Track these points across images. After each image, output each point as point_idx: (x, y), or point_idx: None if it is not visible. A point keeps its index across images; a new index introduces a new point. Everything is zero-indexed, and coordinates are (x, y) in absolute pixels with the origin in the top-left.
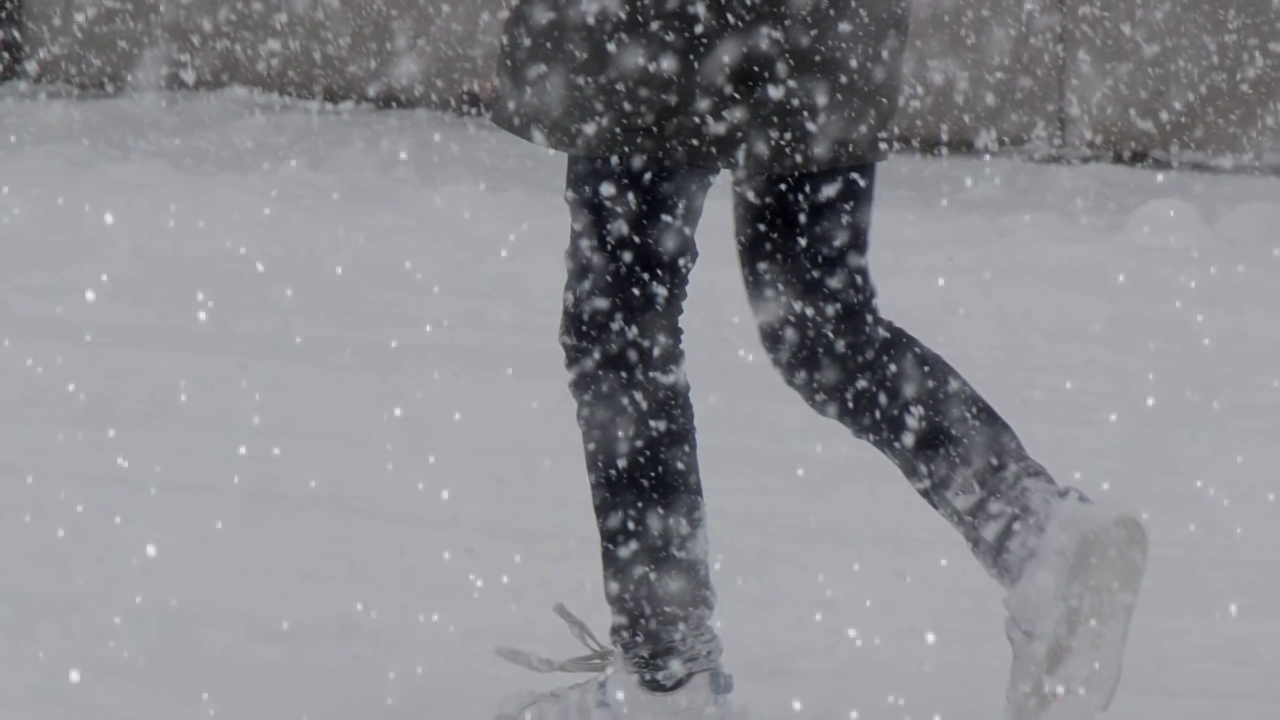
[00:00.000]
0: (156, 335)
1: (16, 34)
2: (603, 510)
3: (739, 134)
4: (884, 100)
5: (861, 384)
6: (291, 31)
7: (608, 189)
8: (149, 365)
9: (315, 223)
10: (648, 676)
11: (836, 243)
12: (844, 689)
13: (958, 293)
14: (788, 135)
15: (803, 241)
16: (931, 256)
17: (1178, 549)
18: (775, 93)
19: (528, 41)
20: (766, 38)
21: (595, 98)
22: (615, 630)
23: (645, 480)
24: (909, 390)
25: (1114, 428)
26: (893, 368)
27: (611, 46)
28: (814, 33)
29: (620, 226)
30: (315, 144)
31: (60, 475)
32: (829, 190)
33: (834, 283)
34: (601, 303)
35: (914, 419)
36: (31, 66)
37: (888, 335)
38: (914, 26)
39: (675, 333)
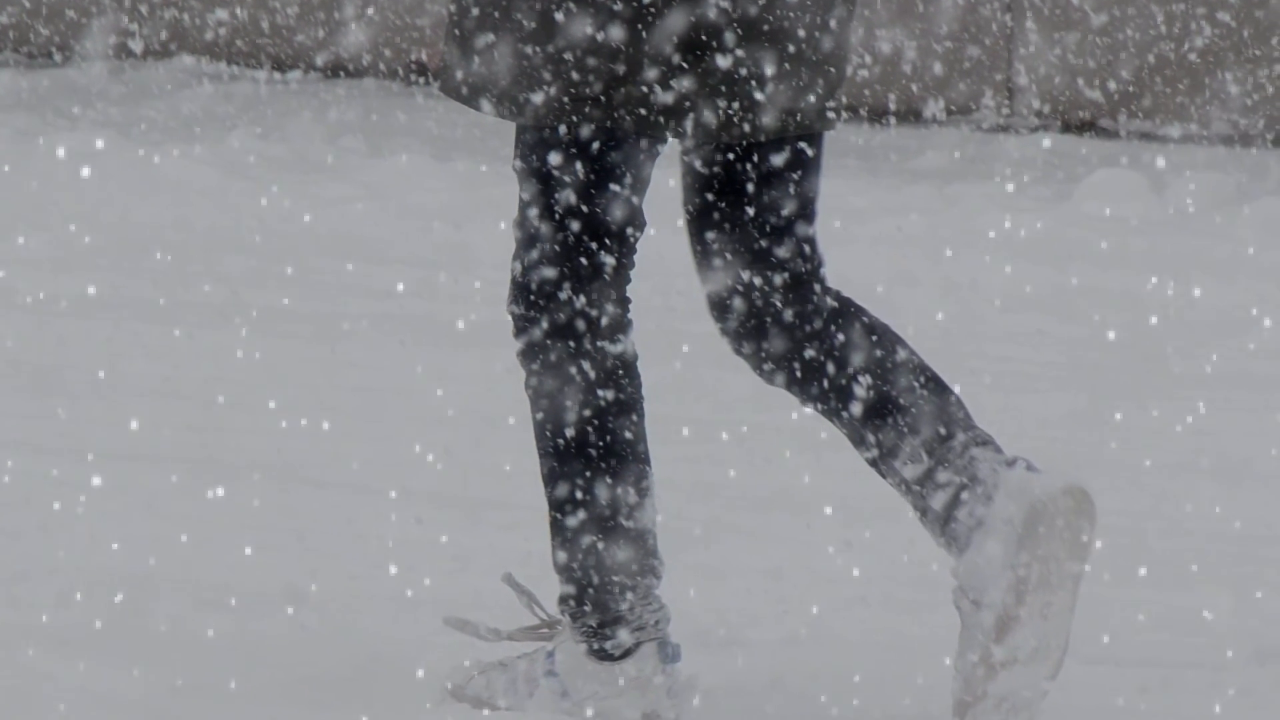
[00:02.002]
0: (104, 304)
1: None
2: (551, 479)
3: (687, 103)
4: (832, 70)
5: (809, 353)
6: (239, 1)
7: (556, 158)
8: (97, 334)
9: (263, 192)
10: (595, 646)
11: (784, 212)
12: (792, 658)
13: (906, 262)
14: (736, 104)
15: (751, 211)
16: (880, 226)
17: (1126, 518)
18: (723, 62)
19: (475, 10)
20: (714, 7)
21: (543, 67)
22: (563, 599)
23: (593, 449)
24: (857, 359)
25: (1062, 397)
26: (841, 337)
27: (559, 15)
28: (762, 2)
29: (568, 196)
30: (263, 113)
31: (7, 444)
32: (777, 159)
33: (782, 252)
34: (549, 272)
35: (862, 388)
36: None
37: (836, 304)
38: None
39: (623, 302)
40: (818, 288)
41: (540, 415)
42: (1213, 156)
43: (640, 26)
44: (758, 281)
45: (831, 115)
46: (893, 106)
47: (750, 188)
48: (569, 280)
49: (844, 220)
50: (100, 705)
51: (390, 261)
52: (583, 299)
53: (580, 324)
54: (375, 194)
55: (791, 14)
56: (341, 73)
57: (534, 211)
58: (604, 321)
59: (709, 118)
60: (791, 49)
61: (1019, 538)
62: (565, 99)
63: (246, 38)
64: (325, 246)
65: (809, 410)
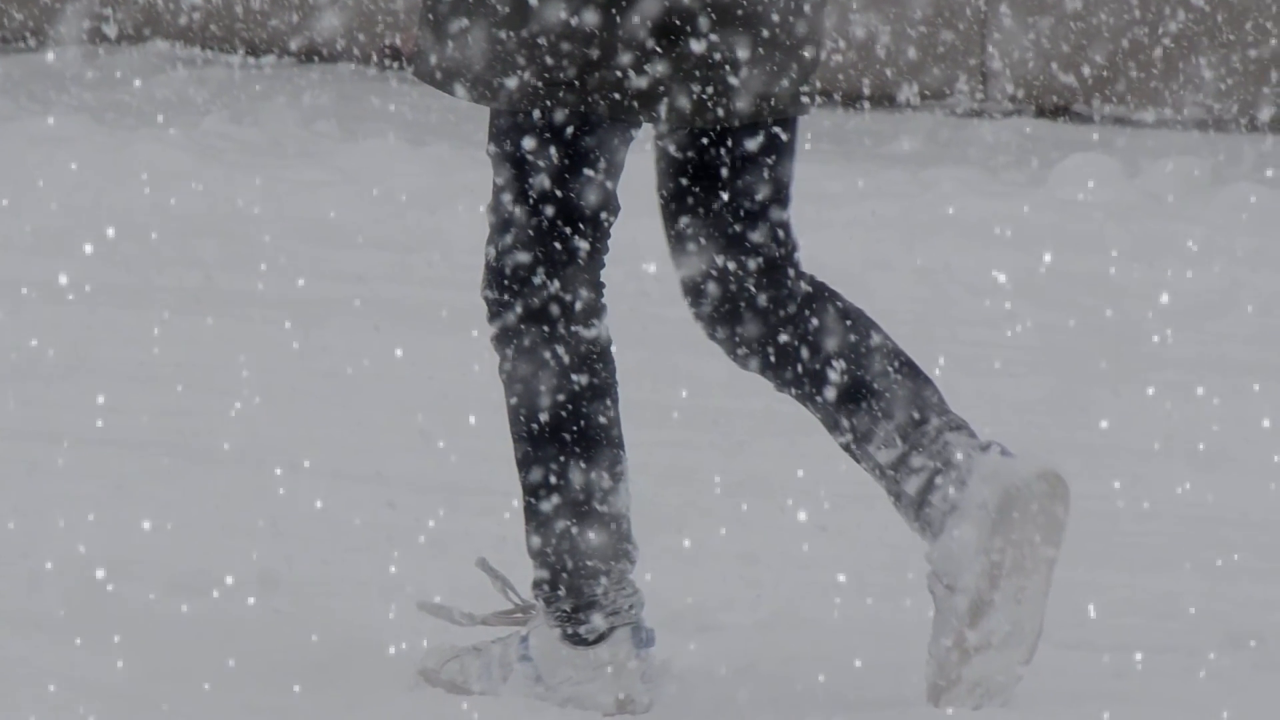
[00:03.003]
0: (78, 289)
1: None
2: (525, 464)
3: (661, 88)
4: (806, 54)
5: (783, 338)
6: None
7: (530, 143)
8: (70, 319)
9: (237, 176)
10: (570, 630)
11: (758, 197)
12: (766, 643)
13: (880, 247)
14: (710, 89)
15: (725, 196)
16: (853, 210)
17: (1100, 503)
18: (697, 47)
19: None
20: None
21: (517, 51)
22: (537, 584)
23: (567, 434)
24: (831, 344)
25: (1036, 381)
26: (814, 322)
27: (533, 0)
28: None
29: (542, 181)
30: (237, 98)
31: None
32: (751, 144)
33: (756, 237)
34: (523, 257)
35: (836, 373)
36: None
37: (809, 289)
38: None
39: (597, 287)
40: (791, 272)
41: (514, 400)
42: (1186, 141)
43: (614, 11)
44: (732, 266)
45: (805, 100)
46: (867, 91)
47: (724, 172)
48: (543, 265)
49: (818, 205)
50: (73, 689)
51: (364, 246)
52: (557, 284)
53: (554, 309)
54: (349, 179)
55: None
56: (315, 57)
57: (508, 196)
58: (578, 306)
59: (683, 102)
60: (765, 34)
61: (993, 522)
62: (539, 84)
63: (220, 22)
64: (299, 231)
65: (783, 395)
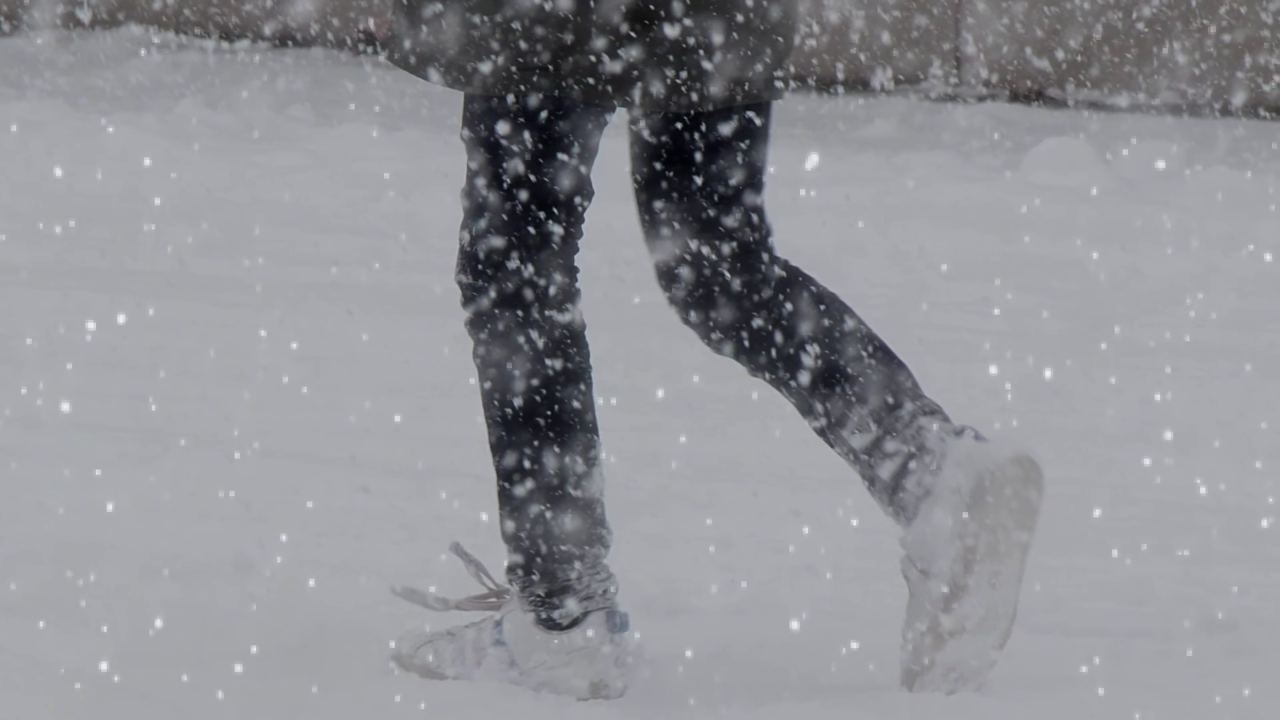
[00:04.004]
0: (52, 274)
1: None
2: (499, 449)
3: (635, 72)
4: (780, 39)
5: (757, 322)
6: None
7: (504, 128)
8: (44, 304)
9: (211, 161)
10: (544, 615)
11: (732, 181)
12: (739, 627)
13: (854, 231)
14: (684, 74)
15: (699, 180)
16: (827, 195)
17: (1073, 487)
18: (671, 31)
19: None
20: None
21: (491, 36)
22: (511, 569)
23: (541, 419)
24: (805, 329)
25: (1010, 366)
26: (788, 306)
27: None
28: None
29: (516, 165)
30: (211, 82)
31: None
32: (725, 129)
33: (730, 221)
34: (497, 241)
35: (810, 357)
36: None
37: (784, 274)
38: None
39: (571, 271)
40: (766, 257)
41: (488, 384)
42: (1160, 126)
43: None
44: (706, 251)
45: (779, 84)
46: (841, 76)
47: (698, 157)
48: (517, 249)
49: (792, 189)
50: (46, 673)
51: (338, 230)
52: (531, 268)
53: (528, 293)
54: (323, 163)
55: None
56: (289, 42)
57: (482, 181)
58: (552, 291)
59: (657, 87)
60: (740, 18)
61: (967, 507)
62: (513, 68)
63: (194, 7)
64: (273, 215)
65: (757, 379)
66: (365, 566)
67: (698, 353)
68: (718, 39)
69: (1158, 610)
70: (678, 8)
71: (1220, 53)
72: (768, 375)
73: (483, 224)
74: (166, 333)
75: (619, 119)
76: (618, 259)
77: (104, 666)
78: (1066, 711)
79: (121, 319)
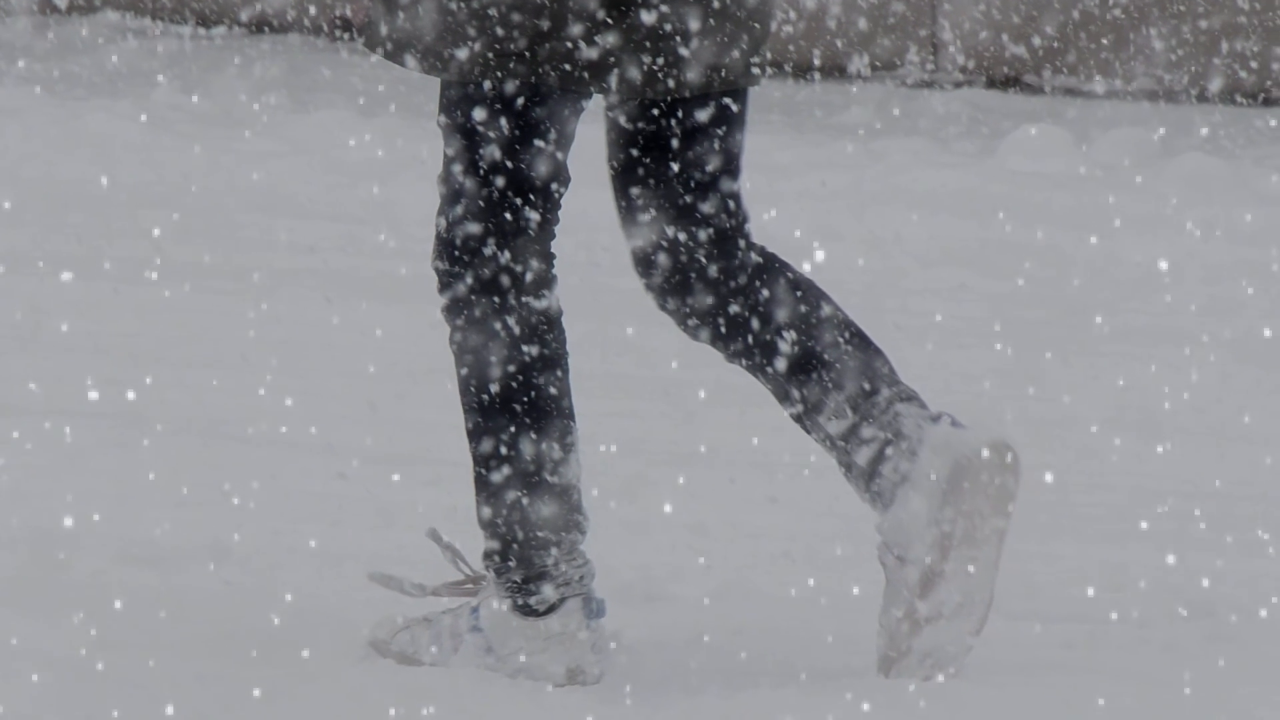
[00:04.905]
0: (28, 260)
1: None
2: (475, 435)
3: (612, 59)
4: (757, 25)
5: (734, 309)
6: None
7: (480, 114)
8: (21, 290)
9: (188, 147)
10: (520, 601)
11: (709, 168)
12: (716, 613)
13: (830, 217)
14: (660, 60)
15: (675, 166)
16: (804, 181)
17: (1050, 473)
18: (648, 17)
19: None
20: None
21: (468, 22)
22: (488, 555)
23: (518, 405)
24: (781, 315)
25: (986, 352)
26: (765, 293)
27: None
28: None
29: (493, 152)
30: (188, 69)
31: None
32: (702, 115)
33: (706, 208)
34: (474, 228)
35: (786, 344)
36: None
37: (760, 260)
38: None
39: (548, 258)
40: (742, 243)
41: (465, 371)
42: (1137, 112)
43: None
44: (682, 237)
45: (756, 71)
46: (817, 62)
47: (675, 143)
48: (493, 236)
49: (768, 176)
50: (22, 659)
51: (315, 217)
52: (507, 254)
53: (505, 279)
54: (300, 149)
55: None
56: (266, 28)
57: (458, 167)
58: (528, 277)
59: (633, 73)
60: (716, 5)
61: (943, 493)
62: (489, 54)
63: None
64: (249, 201)
65: (734, 366)
66: (342, 552)
67: (675, 339)
68: (694, 25)
69: (1135, 597)
70: None
71: (1197, 39)
72: (744, 361)
73: (459, 210)
74: (143, 319)
75: (596, 105)
76: (595, 245)
77: (81, 652)
78: (1043, 698)
79: (98, 305)
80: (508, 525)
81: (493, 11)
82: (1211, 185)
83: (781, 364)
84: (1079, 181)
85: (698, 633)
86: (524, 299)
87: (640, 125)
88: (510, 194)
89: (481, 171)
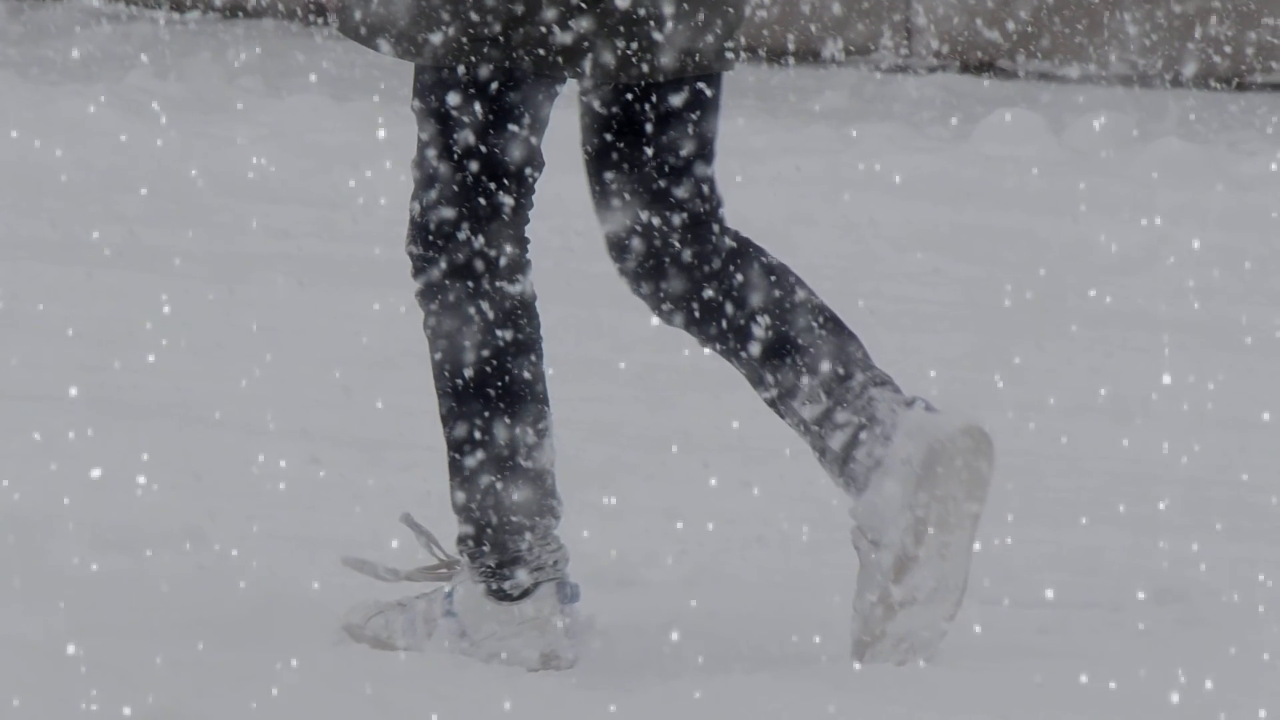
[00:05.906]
0: (2, 245)
1: None
2: (449, 420)
3: (585, 44)
4: (731, 10)
5: (708, 293)
6: None
7: (454, 99)
8: None
9: (161, 132)
10: (494, 586)
11: (683, 152)
12: (690, 598)
13: (804, 202)
14: (634, 45)
15: (649, 151)
16: (778, 166)
17: (1024, 458)
18: (622, 2)
19: None
20: None
21: (441, 7)
22: (462, 540)
23: (492, 390)
24: (755, 299)
25: (960, 337)
26: (739, 277)
27: None
28: None
29: (466, 136)
30: (162, 53)
31: None
32: (675, 100)
33: (680, 192)
34: (448, 212)
35: (760, 328)
36: None
37: (734, 245)
38: None
39: (522, 242)
40: (716, 228)
41: (439, 355)
42: (1111, 97)
43: None
44: (656, 222)
45: (730, 55)
46: (791, 47)
47: (649, 128)
48: (467, 220)
49: (742, 161)
50: None
51: (288, 201)
52: (481, 239)
53: (479, 264)
54: (274, 134)
55: None
56: (240, 13)
57: (432, 152)
58: (502, 262)
59: (607, 58)
60: None
61: (917, 478)
62: (463, 39)
63: None
64: (223, 186)
65: (707, 350)
66: (316, 537)
67: (649, 324)
68: (668, 10)
69: (1108, 581)
70: None
71: (1171, 24)
72: (718, 346)
73: (433, 195)
74: (117, 303)
75: (570, 90)
76: (568, 230)
77: (53, 637)
78: (1017, 682)
79: (72, 290)
80: (482, 510)
81: None
82: (1186, 170)
83: (755, 349)
84: (1053, 166)
85: (672, 618)
86: (498, 284)
87: (614, 110)
88: (484, 179)
89: (455, 156)
